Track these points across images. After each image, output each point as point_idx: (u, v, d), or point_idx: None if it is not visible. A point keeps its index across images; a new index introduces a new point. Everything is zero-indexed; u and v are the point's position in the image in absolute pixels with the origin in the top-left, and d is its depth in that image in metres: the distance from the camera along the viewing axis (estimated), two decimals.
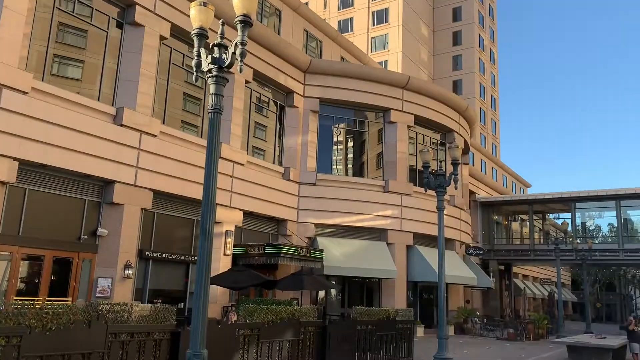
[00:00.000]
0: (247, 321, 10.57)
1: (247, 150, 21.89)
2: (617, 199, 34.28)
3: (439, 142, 30.10)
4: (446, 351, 13.90)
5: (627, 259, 34.92)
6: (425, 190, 16.38)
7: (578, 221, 36.98)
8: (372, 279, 25.76)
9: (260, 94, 23.31)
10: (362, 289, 26.26)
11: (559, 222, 38.08)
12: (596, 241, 35.73)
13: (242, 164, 20.80)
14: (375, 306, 23.15)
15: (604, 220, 37.67)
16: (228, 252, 19.67)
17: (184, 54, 19.31)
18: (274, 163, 23.59)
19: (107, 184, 16.09)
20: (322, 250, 21.86)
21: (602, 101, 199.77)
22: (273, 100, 24.14)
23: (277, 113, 24.40)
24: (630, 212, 35.37)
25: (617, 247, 33.81)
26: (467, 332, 28.79)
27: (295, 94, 24.48)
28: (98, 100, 16.18)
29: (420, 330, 24.74)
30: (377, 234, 25.78)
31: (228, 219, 19.89)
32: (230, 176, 20.13)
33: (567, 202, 36.44)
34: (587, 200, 35.84)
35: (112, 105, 16.53)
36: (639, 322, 19.89)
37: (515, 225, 42.93)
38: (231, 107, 20.41)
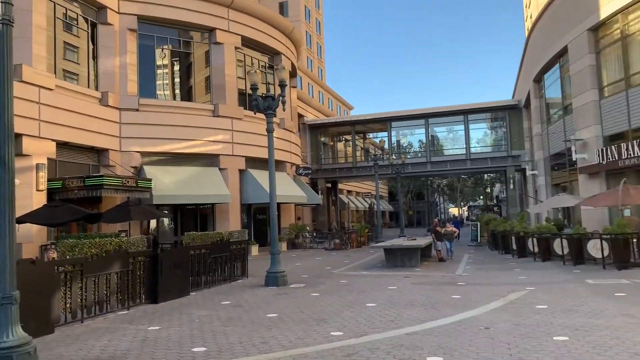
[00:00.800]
0: (68, 257, 9.89)
1: (56, 73, 19.53)
2: (426, 117, 38.27)
3: (267, 64, 30.04)
4: (278, 265, 14.64)
5: (433, 171, 39.80)
6: (255, 113, 16.41)
7: (394, 139, 40.63)
8: (205, 205, 25.67)
9: (66, 9, 20.63)
10: (195, 215, 26.09)
11: (378, 140, 41.39)
12: (409, 156, 39.77)
13: (51, 89, 18.57)
14: (210, 231, 23.28)
15: (415, 137, 41.89)
16: (41, 187, 17.85)
17: None
18: (89, 87, 21.47)
19: None
20: (150, 180, 20.98)
21: (418, 28, 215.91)
22: (83, 17, 21.58)
23: (89, 31, 21.95)
24: (436, 129, 39.85)
25: (426, 160, 38.12)
26: (299, 247, 30.63)
27: (108, 9, 22.13)
28: None
29: (255, 249, 25.66)
30: (208, 159, 25.45)
31: (38, 151, 17.89)
32: (37, 102, 17.91)
33: (384, 122, 39.66)
34: (401, 120, 39.42)
35: None
36: (442, 224, 23.11)
37: (340, 145, 45.74)
38: (31, 24, 17.85)
